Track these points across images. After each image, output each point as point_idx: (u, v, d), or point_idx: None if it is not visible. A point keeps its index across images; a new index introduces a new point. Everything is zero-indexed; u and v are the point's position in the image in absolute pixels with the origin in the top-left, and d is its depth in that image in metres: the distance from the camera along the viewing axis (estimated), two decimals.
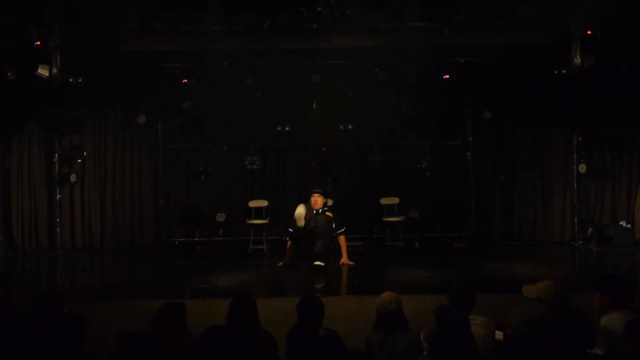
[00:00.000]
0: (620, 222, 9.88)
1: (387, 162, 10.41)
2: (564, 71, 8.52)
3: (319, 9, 7.98)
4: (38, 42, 7.90)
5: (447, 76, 9.61)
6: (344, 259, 8.19)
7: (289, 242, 8.31)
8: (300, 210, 7.96)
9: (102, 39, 8.35)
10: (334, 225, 8.11)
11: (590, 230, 9.85)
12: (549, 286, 4.13)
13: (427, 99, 10.11)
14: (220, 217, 10.45)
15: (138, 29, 8.23)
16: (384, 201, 10.05)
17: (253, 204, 10.19)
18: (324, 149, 10.47)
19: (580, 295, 5.12)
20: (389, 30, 8.45)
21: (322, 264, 7.72)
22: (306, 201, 8.24)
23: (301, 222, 7.89)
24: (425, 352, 3.79)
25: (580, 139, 10.15)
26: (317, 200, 8.15)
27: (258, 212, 10.11)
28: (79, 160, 10.44)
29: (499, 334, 4.33)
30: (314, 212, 8.11)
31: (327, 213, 8.11)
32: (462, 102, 10.46)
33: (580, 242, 10.03)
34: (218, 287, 7.18)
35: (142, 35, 8.37)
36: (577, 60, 7.93)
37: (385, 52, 8.98)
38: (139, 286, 7.52)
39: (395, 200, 10.09)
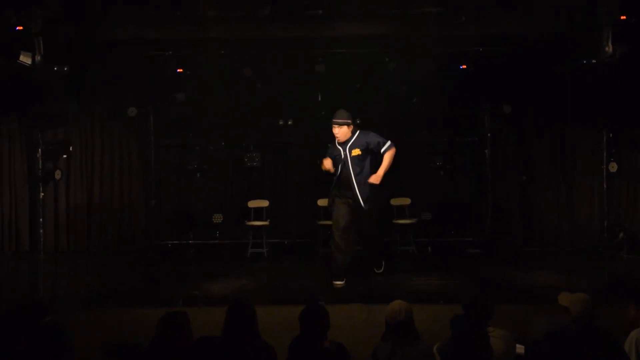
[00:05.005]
0: None
1: (398, 160, 10.30)
2: (593, 61, 8.42)
3: None
4: (20, 27, 7.88)
5: (464, 66, 9.57)
6: (375, 174, 7.46)
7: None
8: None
9: (89, 25, 8.32)
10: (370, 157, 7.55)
11: (621, 235, 9.77)
12: (580, 299, 4.09)
13: (441, 91, 10.05)
14: (217, 218, 10.43)
15: (127, 13, 8.21)
16: (394, 202, 10.01)
17: (252, 204, 10.17)
18: (329, 145, 10.43)
19: (609, 307, 5.04)
20: (400, 17, 8.41)
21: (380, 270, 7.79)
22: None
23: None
24: None
25: (610, 135, 10.08)
26: (339, 131, 7.50)
27: (258, 213, 10.09)
28: (64, 156, 10.44)
29: (519, 348, 4.30)
30: (339, 147, 7.54)
31: (355, 151, 7.50)
32: (480, 95, 10.40)
33: (609, 248, 9.97)
34: (214, 294, 7.19)
35: (132, 20, 8.34)
36: (609, 48, 7.84)
37: (395, 40, 8.93)
38: (127, 293, 7.52)
39: (406, 201, 10.05)
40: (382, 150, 7.58)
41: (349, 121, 7.55)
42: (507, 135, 10.51)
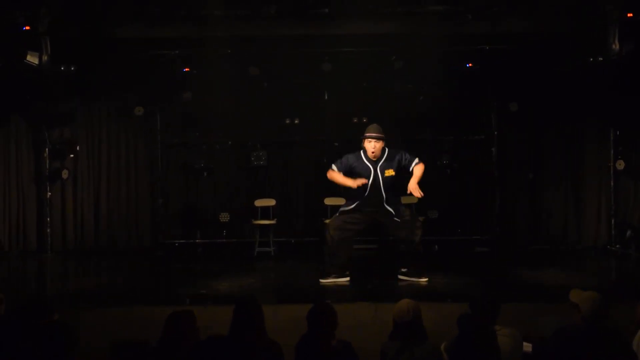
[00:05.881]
0: None
1: None
2: (600, 58, 8.39)
3: None
4: (27, 27, 7.90)
5: (470, 65, 9.54)
6: (412, 184, 7.06)
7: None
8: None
9: (95, 24, 8.34)
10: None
11: (628, 233, 9.74)
12: (590, 297, 4.07)
13: (447, 89, 10.04)
14: (224, 217, 10.44)
15: (134, 12, 8.22)
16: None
17: (259, 203, 10.17)
18: (336, 144, 10.42)
19: (617, 305, 5.01)
20: (406, 15, 8.40)
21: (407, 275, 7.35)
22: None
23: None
24: None
25: (617, 133, 10.04)
26: (376, 146, 7.06)
27: (265, 212, 10.09)
28: (71, 155, 10.46)
29: (527, 346, 4.29)
30: (369, 164, 7.12)
31: (388, 172, 7.11)
32: (486, 93, 10.37)
33: (617, 246, 9.93)
34: (221, 292, 7.18)
35: (139, 19, 8.35)
36: (616, 46, 7.81)
37: (402, 38, 8.92)
38: (134, 291, 7.52)
39: (412, 199, 9.98)
40: (413, 164, 7.23)
41: (384, 136, 7.15)
42: (513, 134, 10.48)
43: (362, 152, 7.27)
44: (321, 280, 7.42)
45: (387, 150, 7.26)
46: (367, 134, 7.16)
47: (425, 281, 7.38)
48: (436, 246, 10.09)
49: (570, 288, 4.44)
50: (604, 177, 10.20)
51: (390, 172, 7.16)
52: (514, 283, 7.70)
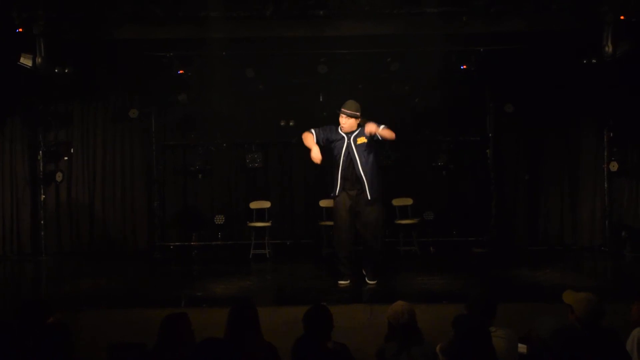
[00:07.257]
0: None
1: (400, 159, 10.38)
2: (593, 60, 8.45)
3: None
4: (20, 29, 7.90)
5: (465, 66, 9.58)
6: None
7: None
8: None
9: (92, 26, 8.34)
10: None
11: (623, 234, 9.78)
12: (584, 298, 4.10)
13: (443, 91, 10.08)
14: (219, 219, 10.45)
15: (130, 14, 8.22)
16: (396, 202, 10.02)
17: (254, 205, 10.19)
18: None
19: (613, 305, 5.05)
20: (403, 17, 8.43)
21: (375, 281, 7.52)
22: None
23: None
24: None
25: (611, 134, 10.09)
26: (346, 122, 7.37)
27: (260, 214, 10.11)
28: (66, 158, 10.45)
29: (522, 347, 4.32)
30: (343, 134, 7.42)
31: (360, 139, 7.34)
32: (482, 94, 10.41)
33: (611, 247, 9.98)
34: (216, 295, 7.21)
35: (135, 21, 8.36)
36: (609, 48, 7.87)
37: (398, 40, 8.95)
38: (131, 294, 7.54)
39: (408, 201, 10.07)
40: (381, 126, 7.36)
41: (358, 114, 7.40)
42: (509, 135, 10.51)
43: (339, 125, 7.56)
44: (340, 282, 7.50)
45: (361, 127, 7.46)
46: (342, 109, 7.44)
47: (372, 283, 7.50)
48: (432, 248, 10.12)
49: (565, 288, 4.48)
50: (598, 179, 10.24)
51: (362, 140, 7.38)
52: (511, 283, 7.74)
